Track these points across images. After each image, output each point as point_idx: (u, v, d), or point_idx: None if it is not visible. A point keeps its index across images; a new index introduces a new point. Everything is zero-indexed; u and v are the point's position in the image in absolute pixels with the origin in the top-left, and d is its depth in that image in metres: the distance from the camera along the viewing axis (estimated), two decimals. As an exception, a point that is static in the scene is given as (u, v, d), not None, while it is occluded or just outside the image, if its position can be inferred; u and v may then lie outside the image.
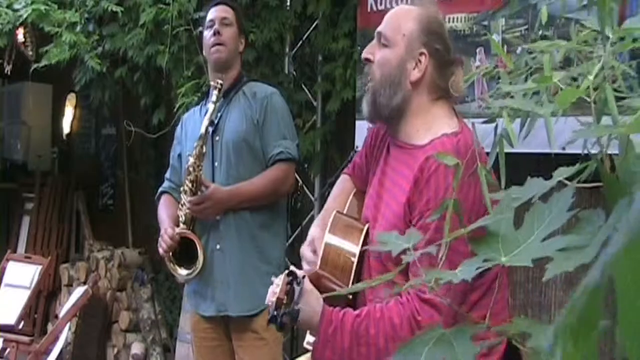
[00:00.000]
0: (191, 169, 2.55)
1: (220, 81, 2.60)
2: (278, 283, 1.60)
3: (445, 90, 1.72)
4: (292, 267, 1.65)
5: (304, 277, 1.59)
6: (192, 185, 2.56)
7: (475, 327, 0.81)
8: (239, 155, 2.62)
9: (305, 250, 1.83)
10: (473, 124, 1.19)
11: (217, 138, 2.65)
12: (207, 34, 2.70)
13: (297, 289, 1.54)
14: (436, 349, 0.79)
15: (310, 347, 1.68)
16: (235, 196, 2.57)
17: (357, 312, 1.59)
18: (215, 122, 2.64)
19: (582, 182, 0.80)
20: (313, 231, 1.87)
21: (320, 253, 1.74)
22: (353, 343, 1.55)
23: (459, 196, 1.47)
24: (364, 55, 1.77)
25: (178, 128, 2.88)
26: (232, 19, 2.72)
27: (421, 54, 1.69)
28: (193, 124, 2.74)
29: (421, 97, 1.71)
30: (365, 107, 1.78)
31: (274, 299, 1.54)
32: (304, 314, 1.56)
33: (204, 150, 2.56)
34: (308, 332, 1.72)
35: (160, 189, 2.83)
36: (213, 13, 2.72)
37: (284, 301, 1.53)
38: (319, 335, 1.56)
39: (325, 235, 1.76)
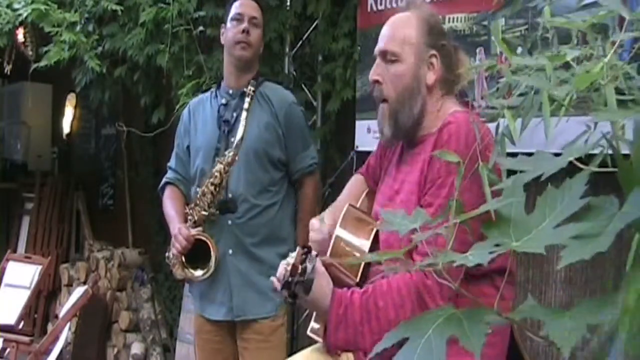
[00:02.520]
0: (217, 174, 2.52)
1: (252, 88, 2.58)
2: (292, 255, 1.61)
3: (453, 82, 1.74)
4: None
5: (317, 255, 1.60)
6: (215, 189, 2.53)
7: (487, 311, 0.79)
8: (260, 163, 2.59)
9: (314, 220, 1.86)
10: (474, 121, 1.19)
11: (232, 139, 2.58)
12: (234, 28, 2.61)
13: (309, 266, 1.55)
14: (445, 326, 0.78)
15: (314, 335, 1.69)
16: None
17: (364, 289, 1.61)
18: (232, 122, 2.60)
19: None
20: (325, 215, 1.89)
21: (330, 245, 1.75)
22: (364, 319, 1.57)
23: (468, 171, 1.48)
24: (373, 77, 1.74)
25: (185, 115, 2.79)
26: (260, 20, 2.66)
27: (431, 56, 1.71)
28: (202, 117, 2.70)
29: (434, 97, 1.74)
30: (386, 130, 1.75)
31: (289, 267, 1.55)
32: (315, 289, 1.57)
33: (237, 159, 2.53)
34: (312, 319, 1.72)
35: (165, 180, 2.77)
36: (242, 7, 2.64)
37: (299, 270, 1.53)
38: (330, 317, 1.58)
39: (337, 229, 1.76)
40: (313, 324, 1.72)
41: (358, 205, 1.93)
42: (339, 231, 1.76)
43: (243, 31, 2.59)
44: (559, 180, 0.83)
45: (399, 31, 1.73)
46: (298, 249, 1.60)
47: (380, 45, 1.76)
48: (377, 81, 1.74)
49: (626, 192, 0.68)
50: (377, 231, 1.75)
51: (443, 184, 1.56)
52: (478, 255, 0.80)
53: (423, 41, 1.70)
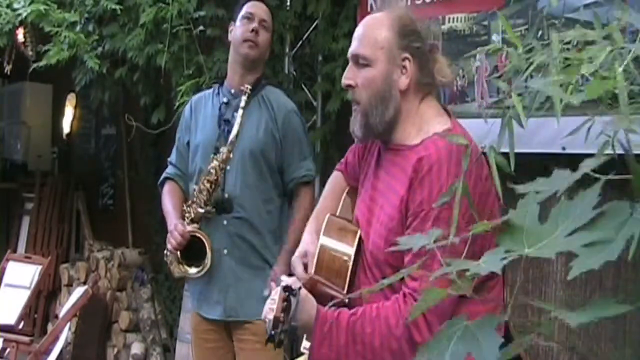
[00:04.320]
0: (213, 170, 2.53)
1: (249, 86, 2.57)
2: (274, 298, 1.58)
3: (430, 84, 1.70)
4: (285, 281, 1.64)
5: (299, 288, 1.58)
6: (211, 186, 2.53)
7: (497, 318, 0.80)
8: (256, 164, 2.59)
9: (296, 264, 1.81)
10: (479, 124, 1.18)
11: (230, 138, 2.59)
12: (243, 26, 2.61)
13: (293, 302, 1.52)
14: (461, 343, 0.79)
15: (306, 352, 1.68)
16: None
17: (352, 310, 1.59)
18: (232, 121, 2.60)
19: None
20: (306, 241, 1.85)
21: (315, 256, 1.74)
22: (349, 340, 1.55)
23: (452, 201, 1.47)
24: (345, 82, 1.71)
25: (187, 111, 2.80)
26: (270, 25, 2.67)
27: (404, 59, 1.66)
28: (204, 114, 2.70)
29: (410, 101, 1.69)
30: (357, 130, 1.72)
31: (271, 317, 1.52)
32: (301, 325, 1.55)
33: (232, 156, 2.54)
34: (305, 337, 1.72)
35: (165, 175, 2.78)
36: (254, 7, 2.64)
37: (281, 319, 1.51)
38: (314, 334, 1.56)
39: (320, 238, 1.76)
40: (305, 343, 1.72)
41: (340, 206, 1.93)
42: (324, 239, 1.75)
43: (252, 30, 2.59)
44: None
45: (371, 33, 1.69)
46: (280, 292, 1.55)
47: (352, 48, 1.72)
48: (349, 85, 1.70)
49: (638, 197, 0.68)
50: (360, 237, 1.74)
51: (426, 218, 1.52)
52: (490, 262, 0.80)
53: (395, 44, 1.66)
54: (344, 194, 1.95)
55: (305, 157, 2.68)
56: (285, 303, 1.53)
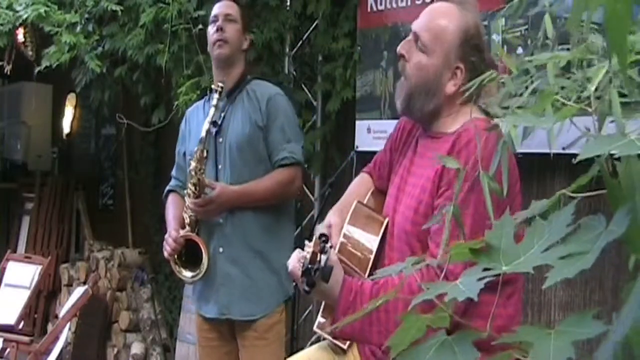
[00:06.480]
0: (193, 172, 2.53)
1: (221, 84, 2.58)
2: (309, 244, 1.61)
3: (475, 95, 1.72)
4: (321, 230, 1.67)
5: (331, 247, 1.61)
6: (195, 189, 2.54)
7: (476, 334, 0.81)
8: (244, 158, 2.59)
9: (319, 232, 1.82)
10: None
11: (220, 140, 2.61)
12: (211, 29, 2.68)
13: (326, 254, 1.54)
14: (438, 355, 0.80)
15: (319, 331, 1.71)
16: (242, 196, 2.56)
17: (375, 280, 1.61)
18: (219, 122, 2.60)
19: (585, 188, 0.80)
20: (331, 217, 1.86)
21: (339, 241, 1.74)
22: (373, 309, 1.56)
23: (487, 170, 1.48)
24: (400, 50, 1.75)
25: (182, 124, 2.85)
26: (237, 15, 2.69)
27: (457, 67, 1.69)
28: (196, 122, 2.72)
29: (452, 105, 1.73)
30: (399, 102, 1.78)
31: (309, 255, 1.54)
32: (326, 288, 1.58)
33: (205, 154, 2.54)
34: (320, 313, 1.73)
35: (168, 187, 2.82)
36: (217, 9, 2.70)
37: (318, 257, 1.53)
38: (339, 303, 1.58)
39: (345, 225, 1.76)
40: (320, 319, 1.73)
41: (365, 201, 1.92)
42: (348, 228, 1.76)
43: (217, 30, 2.63)
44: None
45: (439, 23, 1.71)
46: (315, 237, 1.59)
47: (416, 25, 1.74)
48: (402, 56, 1.75)
49: (614, 210, 0.70)
50: (387, 227, 1.75)
51: (460, 188, 1.53)
52: (466, 283, 0.82)
53: (455, 49, 1.68)
54: (369, 194, 1.95)
55: (290, 140, 2.62)
56: (323, 245, 1.55)
